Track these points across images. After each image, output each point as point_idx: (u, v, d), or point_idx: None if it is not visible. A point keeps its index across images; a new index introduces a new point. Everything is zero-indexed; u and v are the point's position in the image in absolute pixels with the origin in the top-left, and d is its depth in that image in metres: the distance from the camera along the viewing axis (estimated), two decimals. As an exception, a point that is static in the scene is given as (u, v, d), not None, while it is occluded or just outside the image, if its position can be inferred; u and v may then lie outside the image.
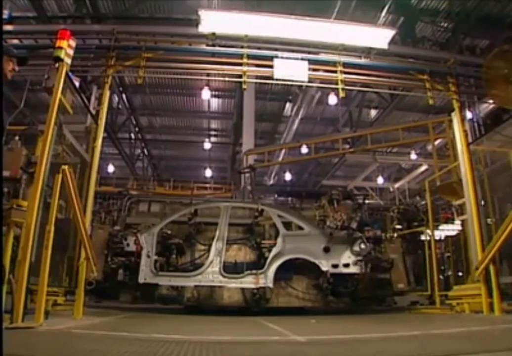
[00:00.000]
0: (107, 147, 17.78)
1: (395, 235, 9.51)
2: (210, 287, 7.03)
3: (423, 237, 9.72)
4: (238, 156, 18.39)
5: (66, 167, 4.39)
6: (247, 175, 12.75)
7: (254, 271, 6.88)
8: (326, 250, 7.11)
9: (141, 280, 6.80)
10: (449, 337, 3.49)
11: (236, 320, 5.95)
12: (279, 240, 7.11)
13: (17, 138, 5.39)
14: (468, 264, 8.06)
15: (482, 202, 7.41)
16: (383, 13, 11.03)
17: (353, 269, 7.09)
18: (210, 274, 6.86)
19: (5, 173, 4.66)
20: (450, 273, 11.23)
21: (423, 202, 11.82)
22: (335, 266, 7.04)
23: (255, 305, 7.05)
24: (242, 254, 7.58)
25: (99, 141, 7.42)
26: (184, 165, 24.87)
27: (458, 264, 10.19)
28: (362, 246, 7.26)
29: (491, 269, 5.98)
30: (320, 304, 7.44)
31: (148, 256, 6.92)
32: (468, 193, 7.51)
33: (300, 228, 7.41)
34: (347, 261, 7.13)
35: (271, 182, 20.93)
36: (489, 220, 7.37)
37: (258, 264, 7.13)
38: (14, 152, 5.06)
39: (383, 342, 3.33)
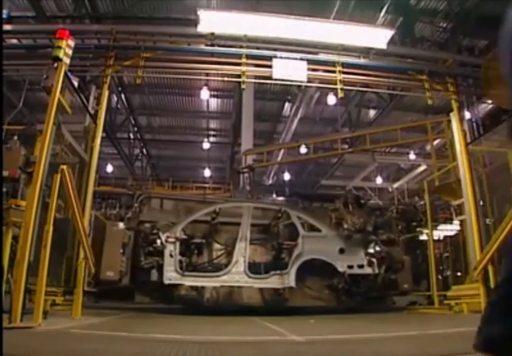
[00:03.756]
0: (106, 147, 17.74)
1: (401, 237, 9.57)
2: (231, 287, 6.98)
3: (421, 237, 9.74)
4: (237, 156, 18.36)
5: (64, 167, 4.38)
6: (246, 175, 12.74)
7: (278, 272, 6.97)
8: (341, 251, 7.30)
9: (166, 281, 6.65)
10: (448, 337, 3.50)
11: (235, 320, 5.95)
12: (300, 241, 7.21)
13: (16, 137, 5.41)
14: (467, 264, 8.07)
15: (481, 202, 7.43)
16: (382, 13, 11.02)
17: (367, 270, 7.30)
18: (236, 274, 6.86)
19: (4, 173, 4.67)
20: (448, 273, 11.24)
21: (422, 202, 11.82)
22: (350, 267, 7.22)
23: (275, 305, 7.08)
24: (263, 254, 7.57)
25: (98, 141, 7.42)
26: (183, 165, 24.82)
27: (457, 264, 10.20)
28: (377, 248, 7.48)
29: (490, 269, 5.99)
30: (333, 303, 7.51)
31: (171, 256, 6.78)
32: (467, 193, 7.53)
33: (316, 229, 7.51)
34: (361, 262, 7.31)
35: (270, 182, 20.92)
36: (487, 220, 7.39)
37: (279, 265, 7.18)
38: (12, 151, 5.07)
39: (381, 342, 3.33)
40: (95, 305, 7.85)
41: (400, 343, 3.21)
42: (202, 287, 6.96)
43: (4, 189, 4.70)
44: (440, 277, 10.26)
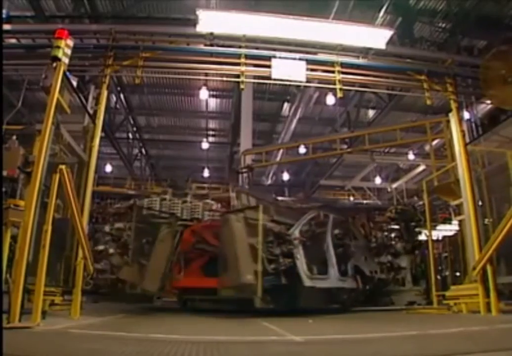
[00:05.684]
0: (105, 147, 17.74)
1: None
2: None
3: (420, 237, 9.77)
4: (236, 156, 18.36)
5: (63, 166, 4.38)
6: (245, 175, 12.75)
7: (351, 274, 7.61)
8: (366, 259, 8.43)
9: (305, 283, 6.49)
10: (447, 337, 3.50)
11: (234, 320, 5.95)
12: (353, 249, 8.01)
13: (14, 137, 5.40)
14: (466, 264, 8.07)
15: (480, 203, 7.43)
16: (381, 13, 11.03)
17: (381, 275, 8.68)
18: (336, 276, 7.14)
19: (3, 173, 4.67)
20: (447, 273, 11.24)
21: (421, 202, 11.84)
22: (371, 272, 8.32)
23: (352, 305, 7.87)
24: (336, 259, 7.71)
25: (97, 141, 7.39)
26: (182, 165, 24.83)
27: (456, 264, 10.20)
28: (389, 258, 9.11)
29: (489, 269, 5.99)
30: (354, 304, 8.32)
31: (297, 258, 6.61)
32: (466, 194, 7.53)
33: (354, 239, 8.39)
34: (376, 268, 8.64)
35: (269, 182, 20.94)
36: (486, 220, 7.39)
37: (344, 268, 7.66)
38: (11, 151, 5.07)
39: (380, 342, 3.33)
40: (94, 305, 7.84)
41: (399, 343, 3.21)
42: (301, 289, 6.70)
43: (3, 189, 4.70)
44: (439, 277, 10.27)
